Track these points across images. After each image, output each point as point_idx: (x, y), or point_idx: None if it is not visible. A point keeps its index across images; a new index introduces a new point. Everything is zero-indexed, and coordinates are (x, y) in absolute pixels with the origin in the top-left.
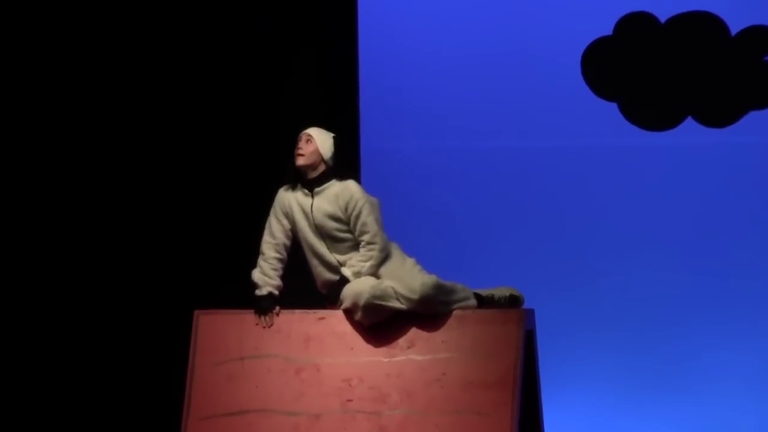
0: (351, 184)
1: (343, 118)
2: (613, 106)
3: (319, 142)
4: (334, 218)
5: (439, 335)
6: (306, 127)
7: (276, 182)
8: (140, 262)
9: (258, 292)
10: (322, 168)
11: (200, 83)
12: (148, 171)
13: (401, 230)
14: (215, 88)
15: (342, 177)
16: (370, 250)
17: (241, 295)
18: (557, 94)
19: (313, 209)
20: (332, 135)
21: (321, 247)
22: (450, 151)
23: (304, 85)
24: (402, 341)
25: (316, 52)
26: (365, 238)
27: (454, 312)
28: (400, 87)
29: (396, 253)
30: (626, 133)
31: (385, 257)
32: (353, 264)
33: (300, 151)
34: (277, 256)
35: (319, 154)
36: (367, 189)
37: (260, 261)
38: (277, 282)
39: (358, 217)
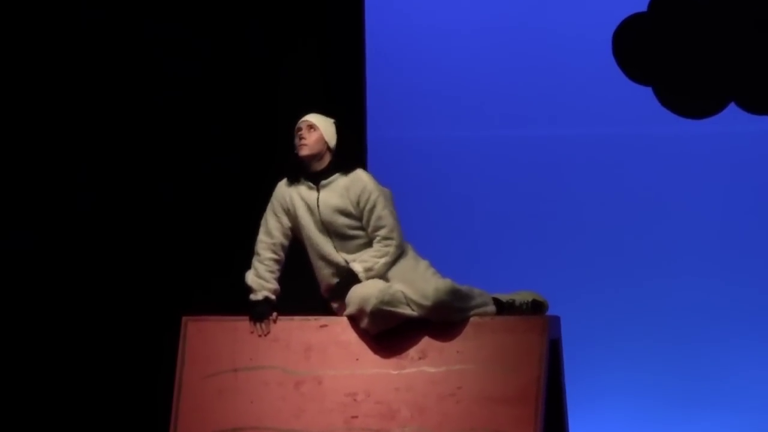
0: (362, 174)
1: (347, 105)
2: (647, 91)
3: (323, 128)
4: (344, 213)
5: (454, 345)
6: (304, 114)
7: (273, 177)
8: (121, 261)
9: (253, 297)
10: (328, 158)
11: (191, 71)
12: (135, 165)
13: (410, 227)
14: (207, 75)
15: (349, 167)
16: (386, 245)
17: (234, 299)
18: (584, 78)
19: (320, 204)
20: (332, 120)
21: (327, 246)
22: (463, 140)
23: (304, 72)
24: (413, 351)
25: (317, 37)
26: (382, 232)
27: (471, 319)
28: (410, 71)
29: (409, 254)
30: (662, 121)
31: (399, 256)
32: (365, 259)
33: (303, 141)
34: (274, 257)
35: (325, 142)
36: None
37: (255, 262)
38: (274, 285)
39: (372, 210)
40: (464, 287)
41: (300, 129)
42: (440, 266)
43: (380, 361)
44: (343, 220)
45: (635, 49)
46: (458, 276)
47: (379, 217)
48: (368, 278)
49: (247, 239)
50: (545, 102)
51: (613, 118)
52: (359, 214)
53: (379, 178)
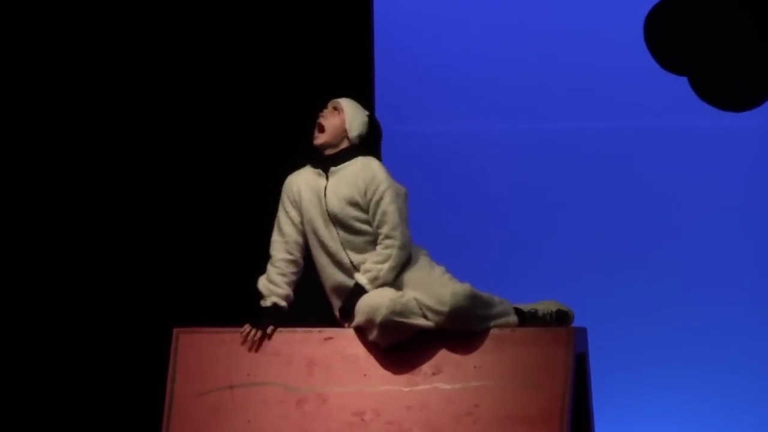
0: (373, 163)
1: (354, 96)
2: (682, 81)
3: (348, 115)
4: (352, 203)
5: (471, 359)
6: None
7: (274, 178)
8: (109, 267)
9: (262, 303)
10: (344, 144)
11: (181, 63)
12: (125, 162)
13: (419, 228)
14: (202, 66)
15: (363, 155)
16: (387, 246)
17: (232, 309)
18: (613, 66)
19: (327, 193)
20: (367, 113)
21: (332, 241)
22: (479, 135)
23: (306, 61)
24: (426, 367)
25: (323, 27)
26: (384, 229)
27: (490, 331)
28: (421, 61)
29: (423, 260)
30: (698, 114)
31: (406, 258)
32: (368, 268)
33: (321, 120)
34: (288, 257)
35: (344, 129)
36: None
37: (268, 265)
38: (285, 290)
39: (378, 203)
40: (485, 294)
41: (321, 113)
42: (451, 270)
43: (390, 377)
44: (351, 212)
45: (669, 33)
46: (471, 282)
47: (384, 212)
48: (377, 288)
49: (249, 244)
50: (570, 94)
51: (644, 110)
52: (366, 206)
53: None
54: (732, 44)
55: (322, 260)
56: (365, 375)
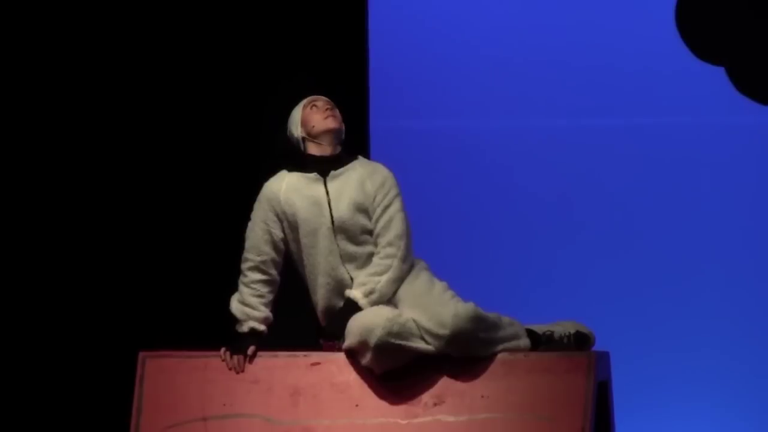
0: (380, 165)
1: (348, 90)
2: (719, 72)
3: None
4: (361, 209)
5: (478, 388)
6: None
7: (258, 180)
8: (68, 283)
9: (238, 329)
10: (340, 148)
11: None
12: (97, 174)
13: (416, 233)
14: (181, 71)
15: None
16: (387, 256)
17: (206, 329)
18: (641, 56)
19: (331, 199)
20: None
21: (331, 255)
22: (482, 131)
23: (299, 57)
24: (427, 396)
25: (316, 22)
26: (386, 237)
27: (499, 356)
28: (417, 53)
29: (422, 274)
30: (737, 109)
31: (407, 272)
32: (363, 281)
33: (330, 113)
34: (263, 278)
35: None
36: None
37: (240, 286)
38: (263, 313)
39: (386, 208)
40: (491, 314)
41: (315, 103)
42: (451, 283)
43: (386, 408)
44: (359, 219)
45: (704, 20)
46: (474, 299)
47: (391, 219)
48: (372, 304)
49: (225, 258)
50: (592, 86)
51: (677, 105)
52: (372, 212)
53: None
54: None
55: (317, 279)
56: (357, 406)
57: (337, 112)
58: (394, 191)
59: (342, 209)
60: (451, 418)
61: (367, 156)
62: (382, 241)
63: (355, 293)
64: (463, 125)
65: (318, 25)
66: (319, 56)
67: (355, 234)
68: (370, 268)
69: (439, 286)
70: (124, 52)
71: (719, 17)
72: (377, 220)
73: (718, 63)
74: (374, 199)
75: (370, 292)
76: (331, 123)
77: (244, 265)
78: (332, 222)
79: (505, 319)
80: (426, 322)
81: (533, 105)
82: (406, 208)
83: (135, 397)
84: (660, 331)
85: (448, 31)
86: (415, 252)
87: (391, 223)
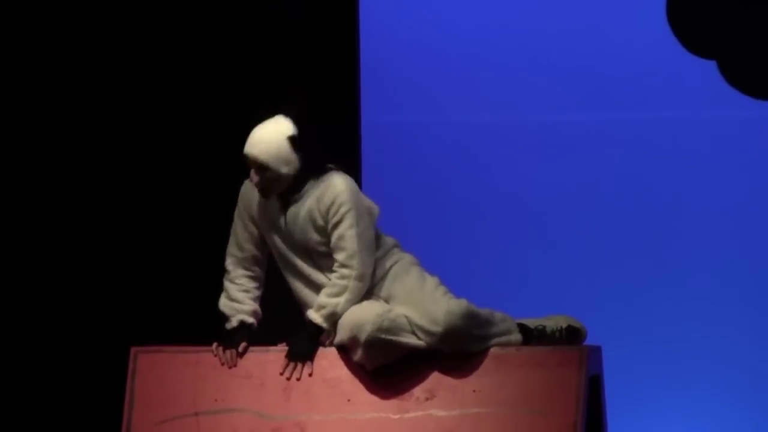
0: (337, 182)
1: (339, 85)
2: (710, 66)
3: (274, 161)
4: (317, 229)
5: (470, 383)
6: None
7: (246, 175)
8: (58, 278)
9: (228, 326)
10: (292, 180)
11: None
12: (85, 170)
13: (408, 229)
14: (165, 71)
15: (321, 171)
16: (342, 276)
17: (198, 324)
18: (632, 50)
19: (288, 221)
20: (286, 135)
21: (304, 265)
22: (474, 127)
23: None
24: (418, 391)
25: (307, 17)
26: (340, 256)
27: (491, 351)
28: (409, 48)
29: (413, 270)
30: (728, 103)
31: (365, 287)
32: (323, 303)
33: (259, 185)
34: (248, 273)
35: (282, 174)
36: (367, 173)
37: (226, 283)
38: (250, 306)
39: (336, 226)
40: (483, 311)
41: (250, 167)
42: (443, 280)
43: (378, 403)
44: (316, 237)
45: (696, 13)
46: (466, 295)
47: (341, 237)
48: (333, 324)
49: (216, 252)
50: (582, 81)
51: (667, 99)
52: (328, 231)
53: (374, 169)
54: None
55: (295, 284)
56: (349, 400)
57: (266, 175)
58: (344, 208)
59: (297, 230)
60: (443, 413)
61: (358, 152)
62: (337, 260)
63: (316, 318)
64: (454, 121)
65: (309, 22)
66: (310, 52)
67: (318, 249)
68: (328, 289)
69: (431, 281)
70: (114, 47)
71: (710, 10)
72: (330, 238)
73: (710, 56)
74: (327, 218)
75: (331, 315)
76: (263, 195)
77: (229, 262)
78: (292, 240)
79: (498, 314)
80: (419, 319)
81: (524, 100)
82: (399, 207)
83: (127, 392)
84: (651, 325)
85: (439, 26)
86: (406, 247)
87: (342, 242)
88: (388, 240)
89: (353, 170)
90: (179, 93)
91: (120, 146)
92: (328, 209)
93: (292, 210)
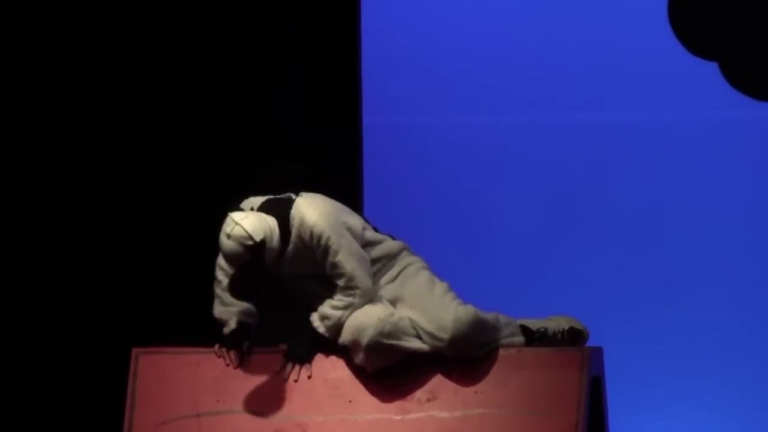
0: (305, 213)
1: (341, 85)
2: (712, 67)
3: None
4: (312, 260)
5: (472, 384)
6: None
7: (247, 176)
8: (60, 279)
9: (226, 330)
10: (279, 244)
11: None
12: (84, 170)
13: (409, 230)
14: (164, 73)
15: (287, 210)
16: (348, 295)
17: (199, 325)
18: (634, 52)
19: (284, 261)
20: (247, 245)
21: (315, 286)
22: (475, 127)
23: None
24: (420, 392)
25: (308, 16)
26: (340, 282)
27: (493, 352)
28: (410, 48)
29: (422, 273)
30: (730, 104)
31: (369, 297)
32: (327, 314)
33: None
34: None
35: (271, 249)
36: (368, 173)
37: (217, 290)
38: (245, 305)
39: (324, 257)
40: (490, 316)
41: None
42: (443, 280)
43: (379, 405)
44: (316, 267)
45: (697, 14)
46: (467, 295)
47: (333, 266)
48: (336, 333)
49: (216, 254)
50: (584, 82)
51: (669, 101)
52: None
53: (375, 169)
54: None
55: (310, 303)
56: (351, 402)
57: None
58: (323, 238)
59: (297, 267)
60: (444, 414)
61: (359, 153)
62: (340, 283)
63: (318, 324)
64: (455, 121)
65: (311, 22)
66: (311, 52)
67: (322, 275)
68: (334, 301)
69: (440, 286)
70: (111, 47)
71: (712, 12)
72: (324, 266)
73: (711, 58)
74: (313, 251)
75: (335, 326)
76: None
77: (219, 272)
78: (296, 274)
79: (502, 318)
80: (426, 324)
81: (525, 101)
82: (399, 206)
83: (128, 393)
84: (653, 326)
85: (439, 27)
86: (408, 245)
87: (337, 269)
88: (397, 243)
89: (354, 171)
90: (182, 95)
91: (120, 147)
92: (311, 245)
93: (286, 252)
